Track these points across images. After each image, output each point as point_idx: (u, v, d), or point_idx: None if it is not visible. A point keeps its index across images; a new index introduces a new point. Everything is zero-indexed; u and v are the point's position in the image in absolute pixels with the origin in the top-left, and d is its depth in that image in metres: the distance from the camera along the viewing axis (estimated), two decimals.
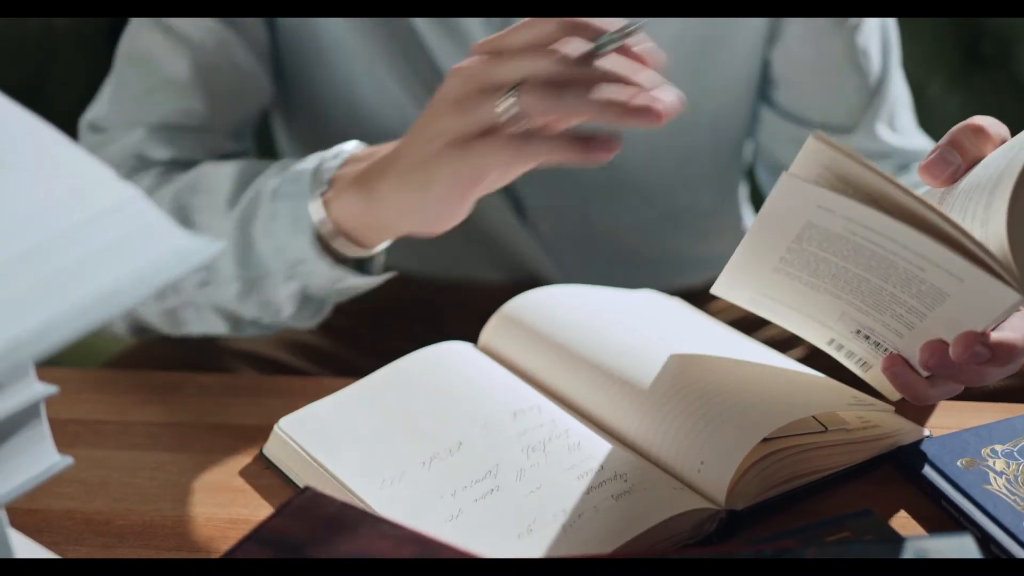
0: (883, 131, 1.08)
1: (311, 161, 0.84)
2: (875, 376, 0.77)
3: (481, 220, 1.11)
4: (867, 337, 0.74)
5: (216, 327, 0.92)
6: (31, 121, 0.51)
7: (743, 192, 1.23)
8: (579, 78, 0.70)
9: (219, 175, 0.90)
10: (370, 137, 1.07)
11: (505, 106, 0.71)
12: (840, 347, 0.77)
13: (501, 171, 0.74)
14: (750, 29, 1.05)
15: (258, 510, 0.73)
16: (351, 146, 0.85)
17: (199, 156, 0.99)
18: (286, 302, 0.87)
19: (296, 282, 0.85)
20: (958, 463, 0.72)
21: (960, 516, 0.68)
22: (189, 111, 0.99)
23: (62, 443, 0.79)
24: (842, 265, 0.69)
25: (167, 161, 0.98)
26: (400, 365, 0.82)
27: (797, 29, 1.05)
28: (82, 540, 0.71)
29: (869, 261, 0.68)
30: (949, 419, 0.79)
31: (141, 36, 1.01)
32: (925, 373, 0.72)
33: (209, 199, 0.88)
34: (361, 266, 0.86)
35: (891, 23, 1.09)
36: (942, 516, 0.69)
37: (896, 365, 0.73)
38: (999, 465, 0.71)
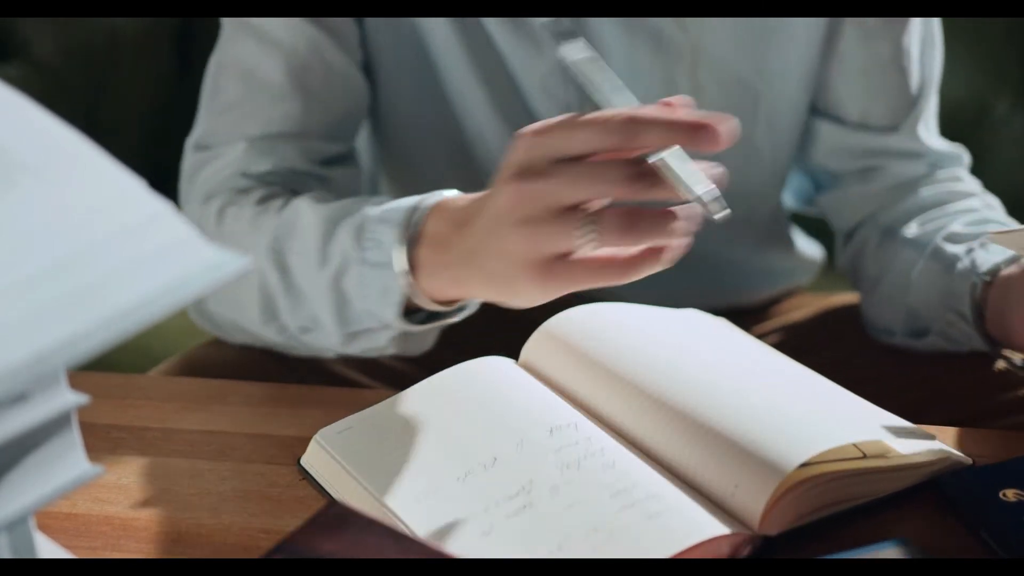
0: (923, 132, 1.07)
1: (394, 224, 0.83)
2: None
3: None
4: None
5: (327, 354, 0.95)
6: (63, 131, 0.52)
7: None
8: (653, 213, 0.70)
9: (307, 222, 0.90)
10: (457, 140, 1.09)
11: (584, 238, 0.71)
12: None
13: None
14: (809, 24, 1.04)
15: (293, 521, 0.73)
16: (426, 203, 0.83)
17: (298, 165, 1.00)
18: (389, 345, 0.89)
19: (393, 330, 0.87)
20: (1001, 494, 0.70)
21: (1000, 548, 0.67)
22: (287, 115, 1.00)
23: (105, 449, 0.81)
24: None
25: (266, 174, 1.00)
26: (439, 379, 0.82)
27: (851, 31, 1.04)
28: (119, 546, 0.72)
29: None
30: (994, 448, 0.77)
31: (233, 45, 1.02)
32: None
33: (302, 245, 0.89)
34: None
35: (936, 25, 1.07)
36: (981, 547, 0.68)
37: None
38: None
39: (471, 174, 1.11)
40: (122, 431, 0.84)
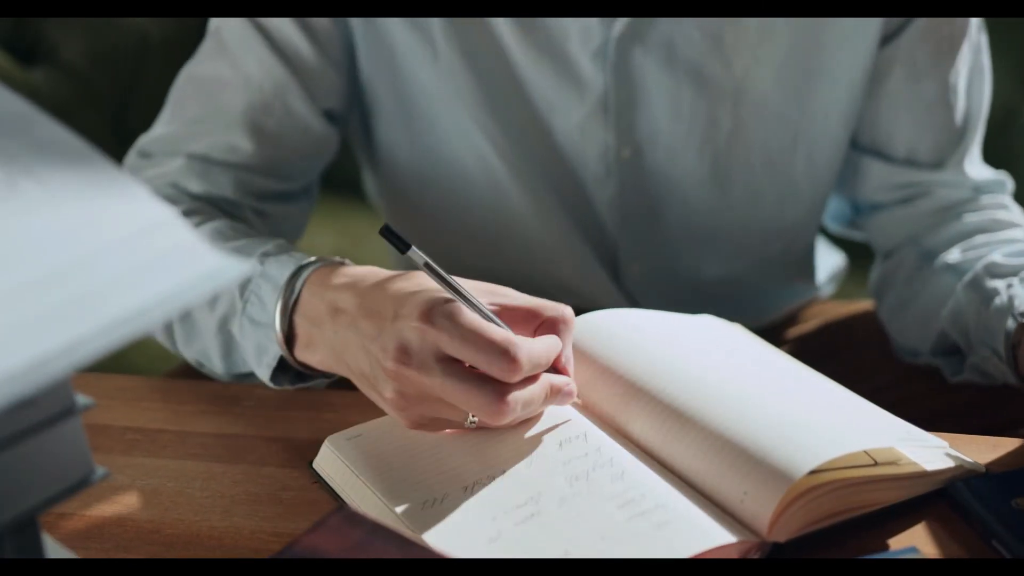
0: (968, 166, 1.07)
1: (275, 286, 0.82)
2: None
3: (570, 256, 1.11)
4: None
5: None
6: (67, 137, 0.52)
7: None
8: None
9: None
10: (451, 183, 1.08)
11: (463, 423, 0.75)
12: None
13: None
14: (853, 63, 1.04)
15: (303, 525, 0.73)
16: (306, 272, 0.82)
17: (230, 195, 1.01)
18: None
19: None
20: (1013, 503, 0.70)
21: (1012, 558, 0.66)
22: (233, 148, 1.01)
23: (119, 450, 0.82)
24: None
25: (201, 196, 1.00)
26: None
27: (899, 70, 1.04)
28: (131, 548, 0.72)
29: None
30: (1007, 456, 0.77)
31: (207, 64, 1.04)
32: None
33: None
34: None
35: (985, 55, 1.06)
36: (993, 556, 0.68)
37: None
38: None
39: (480, 224, 1.11)
40: (137, 433, 0.84)
